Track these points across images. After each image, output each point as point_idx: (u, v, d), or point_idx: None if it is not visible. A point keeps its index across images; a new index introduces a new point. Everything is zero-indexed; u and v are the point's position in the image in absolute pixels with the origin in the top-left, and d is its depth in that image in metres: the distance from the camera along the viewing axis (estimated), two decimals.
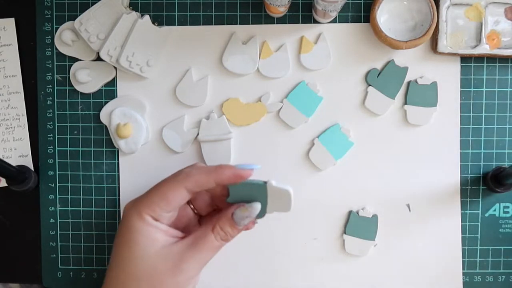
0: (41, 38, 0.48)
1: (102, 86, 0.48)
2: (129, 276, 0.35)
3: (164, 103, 0.48)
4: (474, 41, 0.46)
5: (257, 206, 0.36)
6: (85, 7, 0.47)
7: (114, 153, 0.49)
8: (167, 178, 0.37)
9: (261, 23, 0.48)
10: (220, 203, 0.40)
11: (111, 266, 0.37)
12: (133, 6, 0.48)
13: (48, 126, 0.48)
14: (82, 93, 0.48)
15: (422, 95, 0.47)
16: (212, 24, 0.48)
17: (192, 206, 0.41)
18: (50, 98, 0.48)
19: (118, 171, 0.48)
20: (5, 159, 0.44)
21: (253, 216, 0.36)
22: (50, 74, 0.48)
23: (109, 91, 0.48)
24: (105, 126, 0.48)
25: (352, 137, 0.47)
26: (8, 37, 0.48)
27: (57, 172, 0.48)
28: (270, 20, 0.48)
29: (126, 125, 0.47)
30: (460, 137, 0.48)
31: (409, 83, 0.47)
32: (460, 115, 0.48)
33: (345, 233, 0.48)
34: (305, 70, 0.47)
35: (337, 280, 0.48)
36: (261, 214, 0.38)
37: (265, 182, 0.36)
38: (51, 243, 0.49)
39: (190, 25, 0.48)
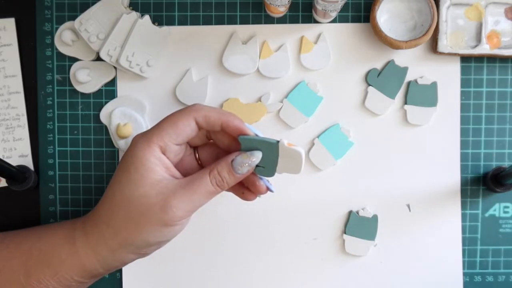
0: (41, 38, 0.48)
1: (102, 86, 0.48)
2: (124, 197, 0.36)
3: (164, 103, 0.48)
4: (474, 41, 0.46)
5: (258, 154, 0.36)
6: (85, 7, 0.47)
7: (114, 153, 0.49)
8: (178, 110, 0.38)
9: (261, 23, 0.48)
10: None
11: (109, 186, 0.38)
12: (133, 6, 0.48)
13: (48, 126, 0.48)
14: (82, 93, 0.48)
15: (422, 95, 0.47)
16: (212, 24, 0.48)
17: (197, 156, 0.41)
18: (50, 98, 0.48)
19: None
20: (5, 159, 0.44)
21: (253, 165, 0.36)
22: (50, 74, 0.48)
23: (109, 91, 0.48)
24: (105, 126, 0.48)
25: (352, 137, 0.48)
26: (8, 37, 0.48)
27: (57, 172, 0.48)
28: (270, 20, 0.48)
29: (126, 125, 0.47)
30: (460, 137, 0.48)
31: (409, 83, 0.47)
32: (460, 115, 0.48)
33: (345, 233, 0.48)
34: (305, 70, 0.47)
35: (337, 280, 0.48)
36: (271, 173, 0.38)
37: (278, 141, 0.36)
38: None
39: (190, 25, 0.48)
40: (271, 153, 0.36)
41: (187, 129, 0.37)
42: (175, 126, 0.36)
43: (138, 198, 0.36)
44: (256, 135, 0.37)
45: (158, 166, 0.36)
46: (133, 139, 0.38)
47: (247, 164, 0.36)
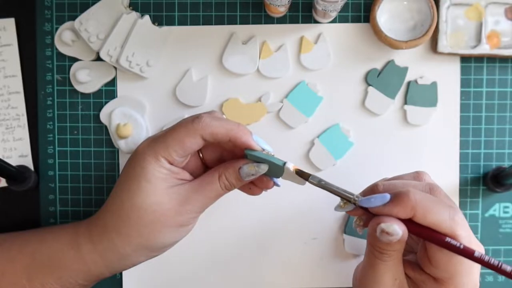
0: (41, 38, 0.48)
1: (102, 86, 0.48)
2: (134, 206, 0.37)
3: (164, 103, 0.48)
4: (474, 41, 0.46)
5: (265, 167, 0.37)
6: (85, 7, 0.47)
7: (114, 153, 0.49)
8: (183, 122, 0.37)
9: (261, 23, 0.48)
10: (229, 158, 0.41)
11: (114, 194, 0.39)
12: (133, 6, 0.48)
13: (48, 126, 0.48)
14: (82, 93, 0.48)
15: (422, 95, 0.47)
16: (212, 24, 0.48)
17: (201, 155, 0.41)
18: (50, 98, 0.48)
19: (118, 171, 0.48)
20: (5, 159, 0.44)
21: (259, 175, 0.38)
22: (50, 74, 0.48)
23: (109, 91, 0.48)
24: (105, 126, 0.48)
25: (352, 137, 0.48)
26: (8, 37, 0.48)
27: (57, 172, 0.48)
28: (270, 20, 0.48)
29: (126, 125, 0.47)
30: (460, 137, 0.48)
31: (409, 83, 0.47)
32: (460, 115, 0.48)
33: (344, 232, 0.48)
34: (305, 70, 0.47)
35: (337, 280, 0.48)
36: (277, 177, 0.39)
37: (284, 163, 0.37)
38: None
39: (190, 25, 0.48)
40: (276, 169, 0.37)
41: (194, 146, 0.37)
42: (181, 144, 0.37)
43: (151, 206, 0.37)
44: (263, 149, 0.38)
45: (168, 175, 0.37)
46: (139, 150, 0.38)
47: (253, 175, 0.37)
